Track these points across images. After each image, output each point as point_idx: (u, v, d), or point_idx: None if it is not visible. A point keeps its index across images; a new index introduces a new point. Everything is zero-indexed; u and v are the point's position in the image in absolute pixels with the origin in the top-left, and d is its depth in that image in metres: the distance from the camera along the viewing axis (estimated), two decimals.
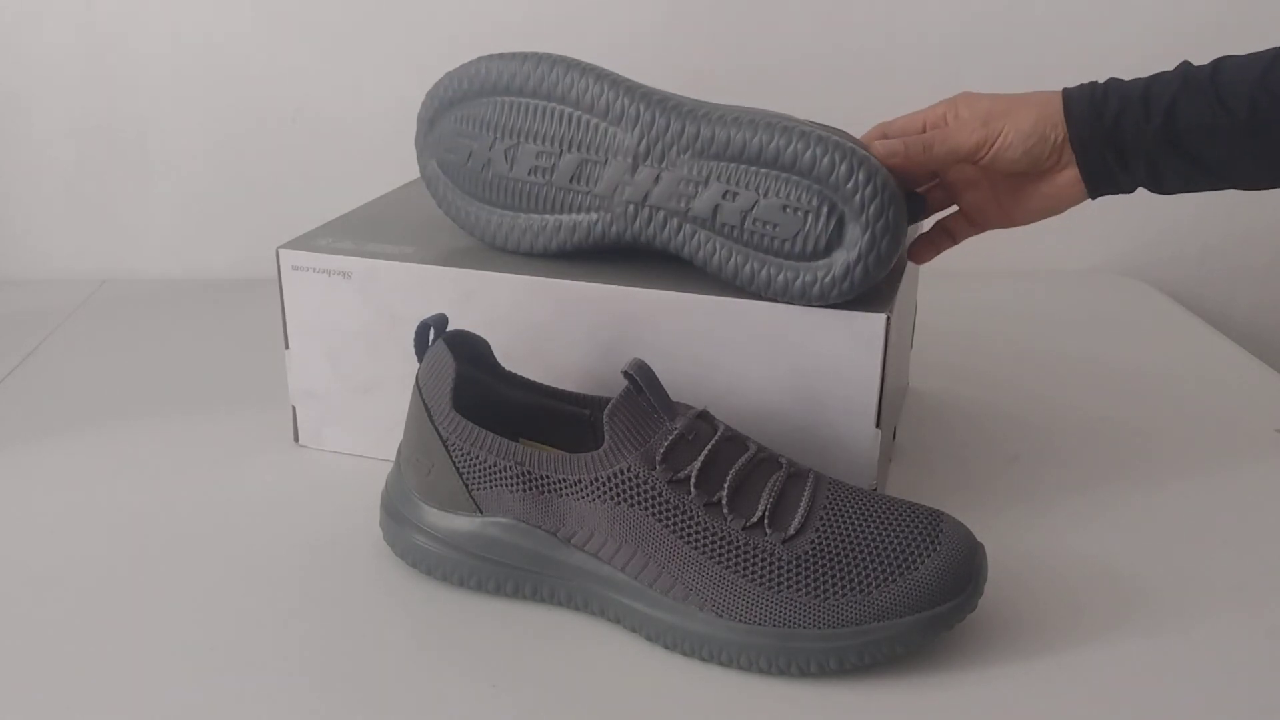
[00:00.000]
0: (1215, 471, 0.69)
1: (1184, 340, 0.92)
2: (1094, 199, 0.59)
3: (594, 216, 0.63)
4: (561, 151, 0.62)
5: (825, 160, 0.56)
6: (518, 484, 0.53)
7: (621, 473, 0.51)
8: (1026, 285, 1.04)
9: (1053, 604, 0.55)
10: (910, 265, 0.68)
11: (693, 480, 0.51)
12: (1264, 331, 1.10)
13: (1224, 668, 0.51)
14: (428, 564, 0.56)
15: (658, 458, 0.51)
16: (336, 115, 1.01)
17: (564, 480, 0.52)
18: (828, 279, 0.57)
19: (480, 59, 0.64)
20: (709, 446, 0.52)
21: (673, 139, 0.59)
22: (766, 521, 0.50)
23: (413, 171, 0.75)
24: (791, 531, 0.50)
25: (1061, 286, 1.05)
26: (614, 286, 0.61)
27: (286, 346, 0.68)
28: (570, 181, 0.62)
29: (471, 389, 0.57)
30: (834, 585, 0.49)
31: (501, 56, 0.64)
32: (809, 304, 0.58)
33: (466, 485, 0.54)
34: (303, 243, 0.67)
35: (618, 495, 0.51)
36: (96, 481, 0.67)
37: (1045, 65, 1.01)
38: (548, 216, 0.64)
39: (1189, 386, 0.82)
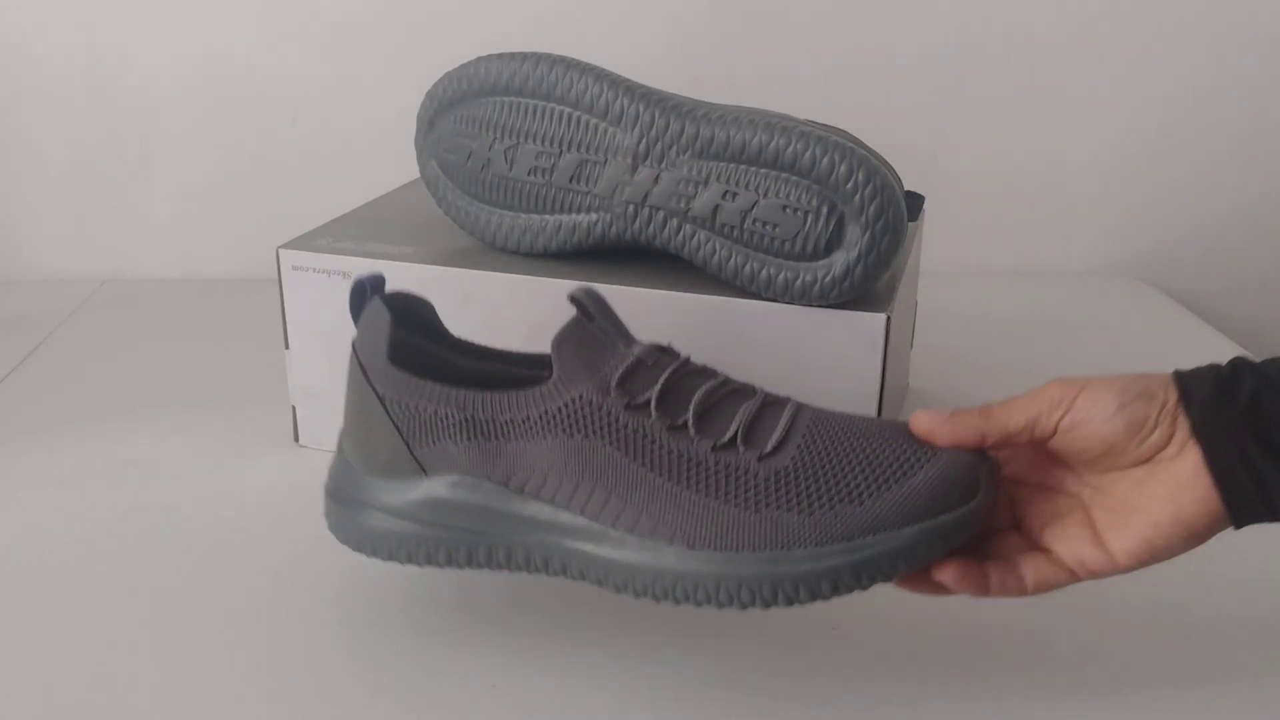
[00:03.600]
0: None
1: (1184, 340, 0.92)
2: (1238, 525, 0.43)
3: (594, 216, 0.63)
4: (561, 151, 0.62)
5: (825, 160, 0.56)
6: (462, 432, 0.48)
7: (573, 402, 0.46)
8: (1026, 285, 1.04)
9: (1050, 605, 0.55)
10: (910, 265, 0.68)
11: (653, 404, 0.46)
12: (1264, 332, 1.10)
13: (1224, 668, 0.51)
14: (373, 543, 0.50)
15: (613, 383, 0.46)
16: (336, 116, 1.01)
17: (511, 420, 0.47)
18: (828, 279, 0.57)
19: (480, 59, 0.64)
20: (669, 371, 0.47)
21: (672, 139, 0.59)
22: (740, 440, 0.46)
23: (413, 171, 0.75)
24: (769, 448, 0.45)
25: (1061, 286, 1.05)
26: (614, 286, 0.61)
27: (286, 346, 0.68)
28: (570, 181, 0.62)
29: (415, 359, 0.51)
30: (821, 498, 0.44)
31: (501, 56, 0.64)
32: (809, 304, 0.58)
33: (408, 444, 0.49)
34: (303, 243, 0.67)
35: (570, 426, 0.46)
36: (97, 481, 0.67)
37: (1047, 67, 1.01)
38: (548, 216, 0.64)
39: None
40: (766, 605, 0.44)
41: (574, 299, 0.48)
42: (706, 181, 0.59)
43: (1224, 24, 1.01)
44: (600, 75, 0.61)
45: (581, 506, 0.46)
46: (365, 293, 0.52)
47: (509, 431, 0.47)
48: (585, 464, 0.46)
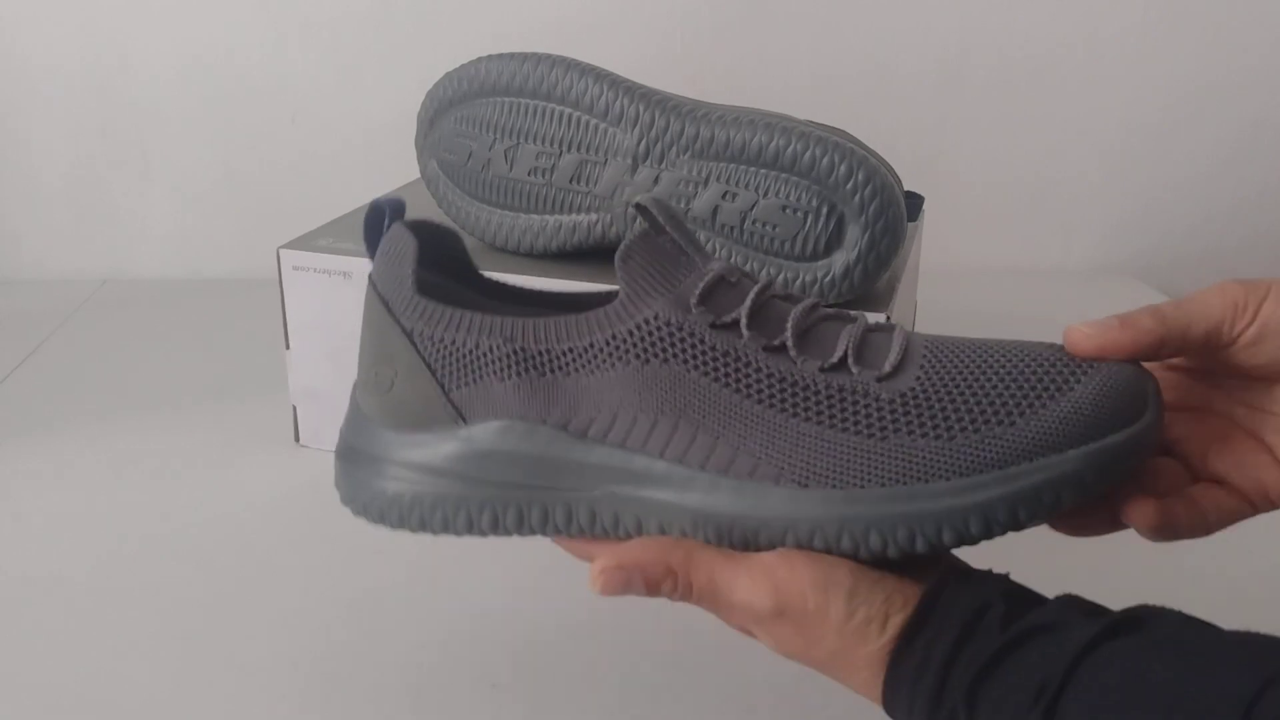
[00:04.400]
0: None
1: None
2: None
3: (594, 217, 0.63)
4: (561, 152, 0.62)
5: (825, 160, 0.56)
6: (510, 368, 0.40)
7: (648, 322, 0.38)
8: (1026, 285, 1.04)
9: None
10: (910, 265, 0.68)
11: (743, 323, 0.38)
12: None
13: None
14: (399, 510, 0.41)
15: (693, 300, 0.39)
16: (336, 116, 1.01)
17: (571, 350, 0.39)
18: (828, 279, 0.57)
19: (480, 59, 0.64)
20: (757, 289, 0.39)
21: (672, 139, 0.59)
22: (851, 361, 0.38)
23: (413, 171, 0.75)
24: (887, 369, 0.38)
25: (1061, 286, 1.05)
26: (615, 287, 0.61)
27: (286, 346, 0.68)
28: (570, 182, 0.63)
29: (442, 301, 0.43)
30: (961, 419, 0.36)
31: (501, 57, 0.64)
32: None
33: (442, 386, 0.41)
34: (303, 243, 0.67)
35: (645, 351, 0.38)
36: (96, 481, 0.67)
37: (1045, 66, 1.01)
38: (548, 217, 0.64)
39: None
40: (900, 551, 0.36)
41: (640, 207, 0.41)
42: (706, 182, 0.59)
43: (1221, 22, 1.01)
44: (600, 75, 0.61)
45: (661, 448, 0.39)
46: (384, 218, 0.45)
47: (568, 363, 0.39)
48: (664, 395, 0.38)
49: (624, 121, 0.60)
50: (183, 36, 0.99)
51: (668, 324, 0.38)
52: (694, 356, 0.38)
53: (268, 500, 0.64)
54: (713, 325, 0.38)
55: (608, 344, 0.39)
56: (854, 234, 0.57)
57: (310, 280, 0.66)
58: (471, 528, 0.41)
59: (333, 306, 0.66)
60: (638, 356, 0.38)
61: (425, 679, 0.50)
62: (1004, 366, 0.38)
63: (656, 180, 0.60)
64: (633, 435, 0.39)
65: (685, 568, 0.37)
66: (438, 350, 0.41)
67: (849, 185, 0.56)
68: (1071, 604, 0.36)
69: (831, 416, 0.37)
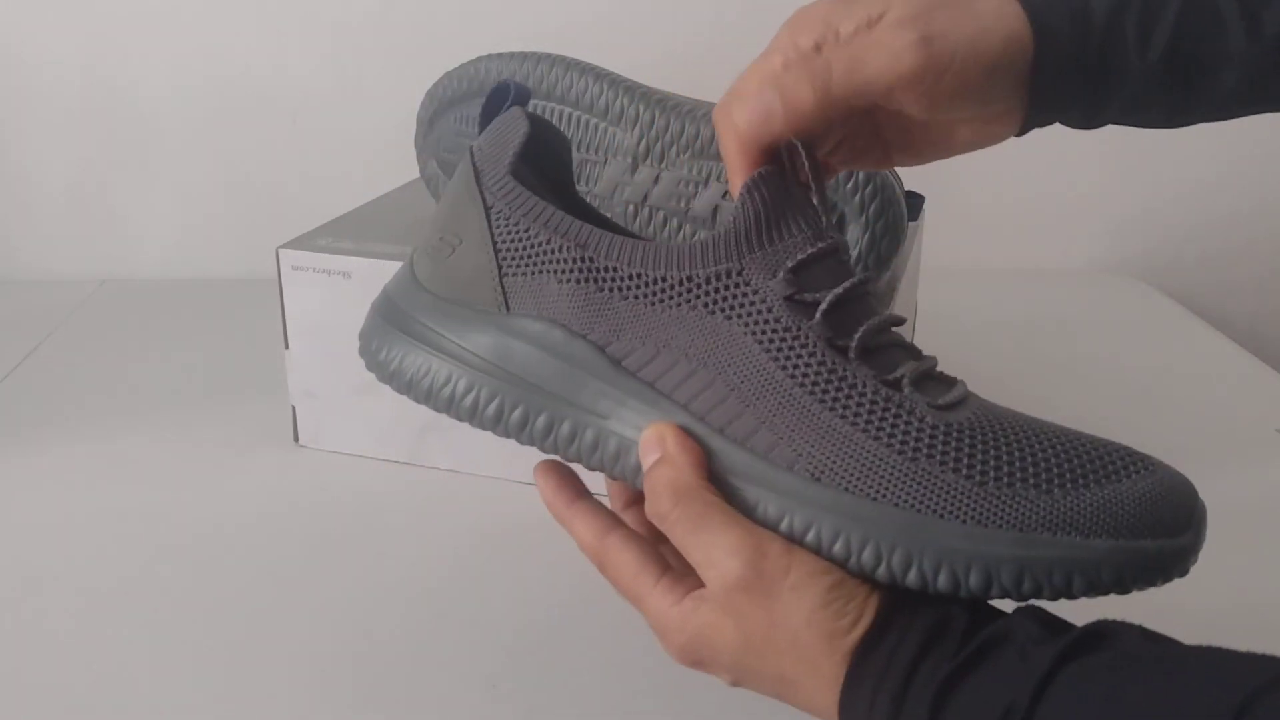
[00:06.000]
0: (1215, 471, 0.68)
1: (1184, 340, 0.92)
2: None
3: None
4: None
5: None
6: (572, 273, 0.39)
7: (728, 275, 0.37)
8: (1026, 285, 1.04)
9: (1052, 608, 0.55)
10: (910, 265, 0.67)
11: (821, 307, 0.37)
12: (1264, 331, 1.10)
13: None
14: (409, 376, 0.42)
15: (787, 265, 0.37)
16: (336, 116, 1.01)
17: (639, 276, 0.39)
18: None
19: (480, 59, 0.64)
20: (852, 282, 0.38)
21: (672, 139, 0.59)
22: (907, 382, 0.37)
23: (413, 171, 0.75)
24: (943, 403, 0.37)
25: (1061, 286, 1.05)
26: None
27: (286, 346, 0.68)
28: None
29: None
30: (999, 470, 0.35)
31: (501, 56, 0.64)
32: None
33: (500, 266, 0.41)
34: (303, 243, 0.67)
35: (713, 303, 0.38)
36: (96, 481, 0.67)
37: None
38: None
39: (1189, 386, 0.82)
40: (892, 579, 0.35)
41: (791, 145, 0.39)
42: (706, 181, 0.59)
43: None
44: (600, 75, 0.61)
45: (689, 398, 0.38)
46: (507, 97, 0.45)
47: (631, 288, 0.39)
48: (712, 349, 0.38)
49: (624, 121, 0.60)
50: (183, 36, 0.98)
51: (745, 283, 0.37)
52: (757, 324, 0.37)
53: (267, 500, 0.64)
54: (788, 299, 0.37)
55: (680, 284, 0.38)
56: (854, 233, 0.57)
57: (310, 280, 0.66)
58: (475, 414, 0.41)
59: (332, 306, 0.66)
60: (705, 305, 0.38)
61: (425, 679, 0.50)
62: (1059, 442, 0.37)
63: (656, 180, 0.60)
64: (667, 377, 0.39)
65: (690, 490, 0.37)
66: (510, 233, 0.41)
67: (849, 184, 0.56)
68: (1030, 615, 0.35)
69: (869, 421, 0.36)
